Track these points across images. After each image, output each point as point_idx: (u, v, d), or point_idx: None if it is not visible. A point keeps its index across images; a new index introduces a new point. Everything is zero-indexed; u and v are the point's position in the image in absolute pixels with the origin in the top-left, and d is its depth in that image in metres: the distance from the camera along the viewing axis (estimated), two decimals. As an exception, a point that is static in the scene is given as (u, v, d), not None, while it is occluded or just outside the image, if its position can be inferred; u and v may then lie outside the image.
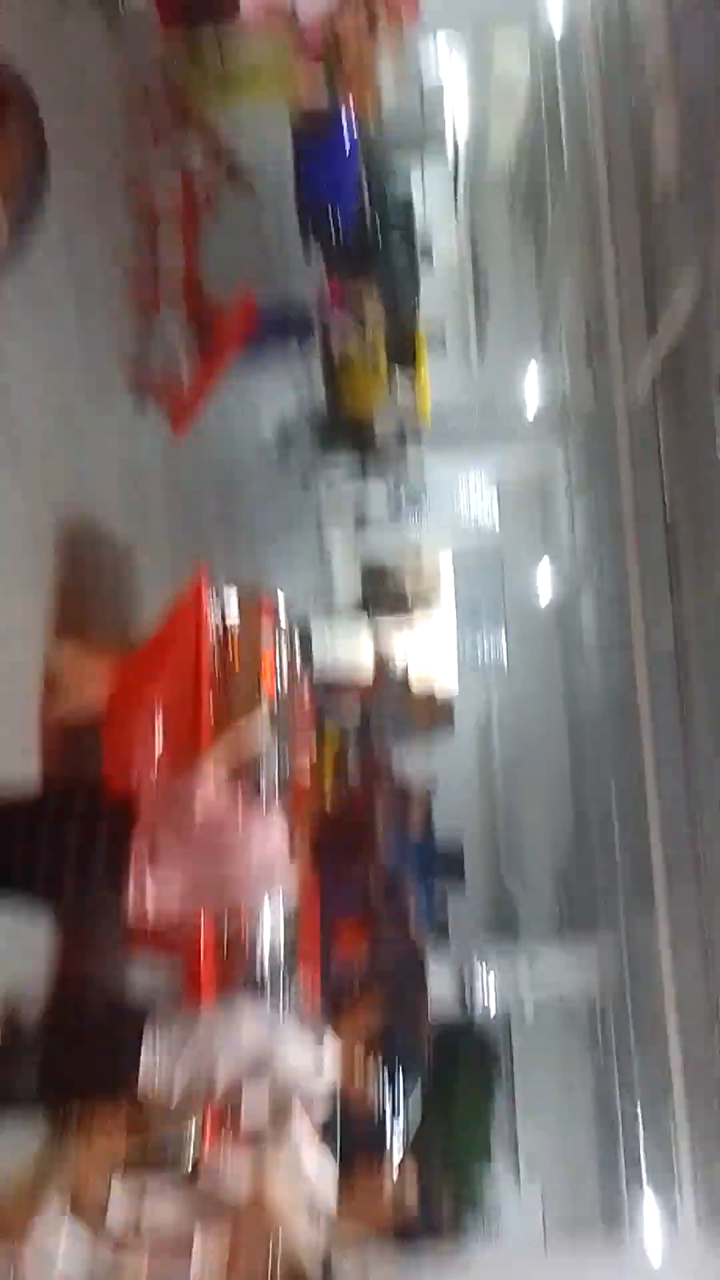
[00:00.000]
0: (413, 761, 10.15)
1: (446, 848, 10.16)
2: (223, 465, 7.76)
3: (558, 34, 12.54)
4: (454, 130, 16.49)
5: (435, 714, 10.11)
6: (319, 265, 10.50)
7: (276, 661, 3.83)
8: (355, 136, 8.51)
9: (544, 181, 14.73)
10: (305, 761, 4.56)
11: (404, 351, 11.84)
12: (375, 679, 8.91)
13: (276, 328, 7.91)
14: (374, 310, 10.21)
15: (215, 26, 5.84)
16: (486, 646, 16.23)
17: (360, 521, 14.61)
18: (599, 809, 12.42)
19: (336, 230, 9.42)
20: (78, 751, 3.61)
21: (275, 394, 9.96)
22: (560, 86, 12.81)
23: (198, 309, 5.68)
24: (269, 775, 3.67)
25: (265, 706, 3.48)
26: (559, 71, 12.84)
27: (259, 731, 3.18)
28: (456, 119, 16.43)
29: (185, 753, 3.17)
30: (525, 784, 14.62)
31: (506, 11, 13.68)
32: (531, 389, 14.90)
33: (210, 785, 2.66)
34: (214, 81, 6.19)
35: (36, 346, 4.04)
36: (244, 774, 3.09)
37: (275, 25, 5.79)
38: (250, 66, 6.16)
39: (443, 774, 10.98)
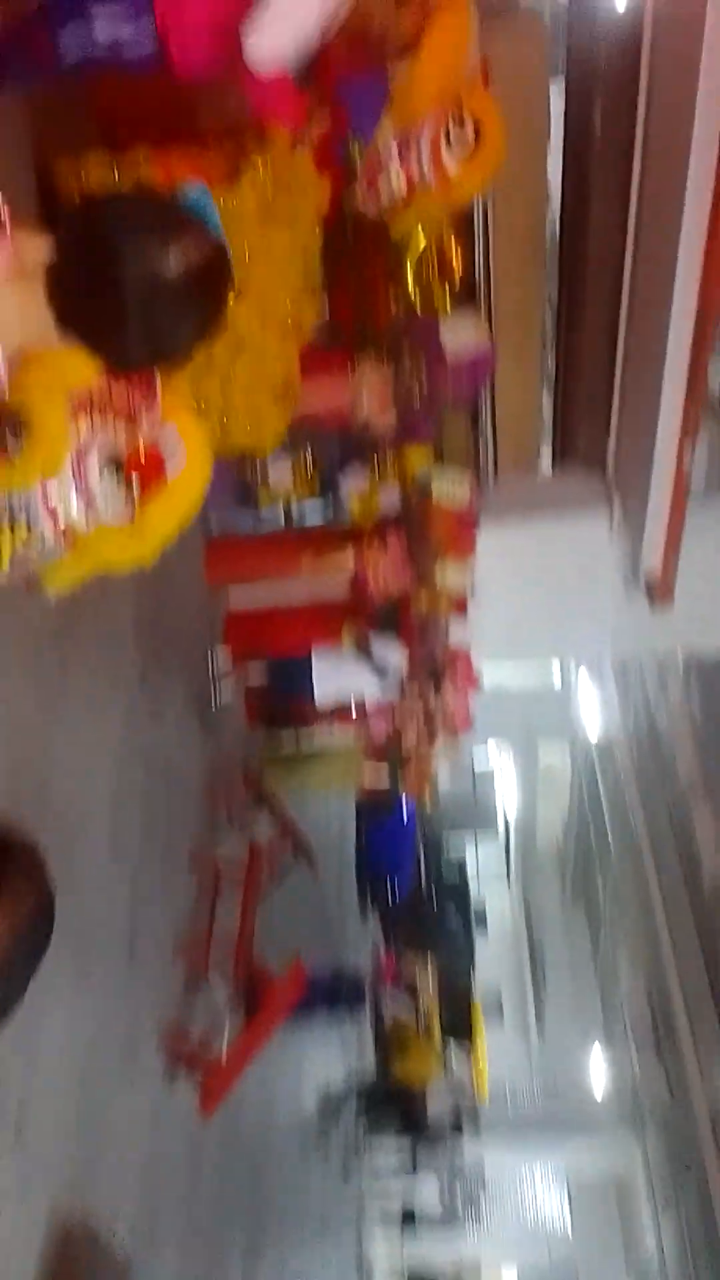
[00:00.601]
0: None
1: None
2: (254, 1144, 6.90)
3: (594, 740, 14.32)
4: (504, 810, 18.10)
5: None
6: (375, 931, 10.65)
7: None
8: (414, 814, 9.26)
9: (592, 861, 15.52)
10: None
11: (459, 1022, 11.33)
12: None
13: (327, 996, 7.74)
14: (428, 981, 10.10)
15: (294, 727, 6.70)
16: None
17: (408, 1221, 12.55)
18: None
19: (393, 897, 9.74)
20: None
21: (321, 1060, 9.31)
22: (600, 782, 14.22)
23: (247, 976, 5.56)
24: None
25: None
26: (598, 770, 14.37)
27: None
28: (506, 801, 18.13)
29: None
30: None
31: (547, 727, 15.95)
32: (598, 1072, 13.82)
33: None
34: (288, 768, 6.91)
35: (73, 1013, 3.83)
36: None
37: (346, 726, 6.61)
38: (322, 758, 6.91)
39: None
